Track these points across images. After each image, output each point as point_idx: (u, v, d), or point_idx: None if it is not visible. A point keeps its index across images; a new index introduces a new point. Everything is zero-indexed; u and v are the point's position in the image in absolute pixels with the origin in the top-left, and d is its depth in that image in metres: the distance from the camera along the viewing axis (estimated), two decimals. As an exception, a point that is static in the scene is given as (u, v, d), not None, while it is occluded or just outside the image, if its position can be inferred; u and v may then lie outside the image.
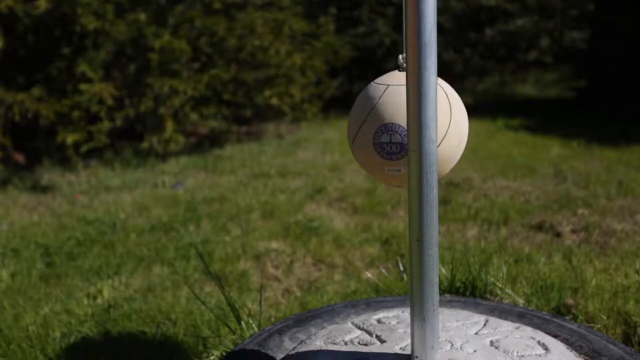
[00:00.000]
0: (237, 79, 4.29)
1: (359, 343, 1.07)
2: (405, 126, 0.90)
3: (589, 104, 5.38)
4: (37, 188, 3.43)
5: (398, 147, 0.92)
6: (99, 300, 1.92)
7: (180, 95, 3.91)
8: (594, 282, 1.77)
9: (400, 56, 0.97)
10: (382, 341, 1.07)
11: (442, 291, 1.68)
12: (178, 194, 3.12)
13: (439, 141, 0.91)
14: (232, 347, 1.47)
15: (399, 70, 0.98)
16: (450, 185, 3.04)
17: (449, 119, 0.94)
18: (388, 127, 0.92)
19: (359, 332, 1.12)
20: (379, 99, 0.95)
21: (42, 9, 3.55)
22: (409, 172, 0.88)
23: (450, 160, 0.97)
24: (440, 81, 0.97)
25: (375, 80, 0.99)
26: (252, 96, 4.38)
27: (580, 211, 2.52)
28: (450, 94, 0.97)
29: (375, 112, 0.94)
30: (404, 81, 0.93)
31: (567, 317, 1.57)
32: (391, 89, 0.95)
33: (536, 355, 1.02)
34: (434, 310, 0.93)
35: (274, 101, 4.35)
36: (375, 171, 0.97)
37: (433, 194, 0.89)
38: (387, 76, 0.98)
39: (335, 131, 4.94)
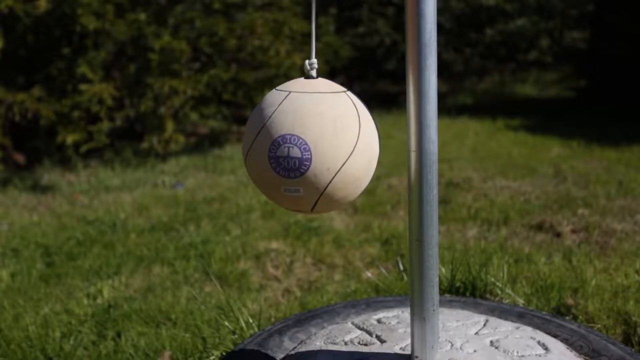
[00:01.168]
0: (237, 79, 4.29)
1: (359, 343, 1.07)
2: (306, 139, 0.79)
3: (589, 104, 5.38)
4: (37, 188, 3.42)
5: (297, 163, 0.79)
6: (99, 300, 1.92)
7: (180, 95, 3.91)
8: (594, 282, 1.77)
9: (306, 62, 0.88)
10: (382, 341, 1.07)
11: (442, 291, 1.68)
12: (178, 194, 3.12)
13: (343, 161, 0.81)
14: (232, 347, 1.47)
15: (305, 78, 0.88)
16: (450, 185, 3.04)
17: (357, 135, 0.83)
18: (286, 139, 0.80)
19: (359, 332, 1.12)
20: (278, 106, 0.82)
21: (42, 9, 3.55)
22: (409, 172, 0.88)
23: (358, 182, 0.85)
24: (351, 94, 0.88)
25: (277, 87, 0.87)
26: (252, 96, 4.38)
27: (580, 211, 2.52)
28: (360, 109, 0.86)
29: (272, 122, 0.81)
30: (308, 89, 0.84)
31: (567, 317, 1.57)
32: (293, 96, 0.83)
33: (536, 355, 1.02)
34: (434, 310, 0.93)
35: (274, 101, 4.35)
36: (271, 191, 0.84)
37: (433, 194, 0.89)
38: (291, 82, 0.87)
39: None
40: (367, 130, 0.84)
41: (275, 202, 0.86)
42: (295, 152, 0.79)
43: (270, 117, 0.82)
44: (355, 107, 0.85)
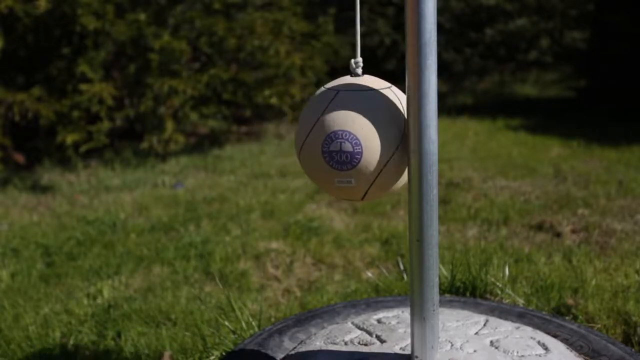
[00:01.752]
0: (237, 79, 4.29)
1: (359, 343, 1.07)
2: (357, 134, 0.86)
3: (589, 104, 5.38)
4: (37, 188, 3.43)
5: (349, 157, 0.86)
6: (99, 300, 1.92)
7: (180, 95, 3.91)
8: (594, 282, 1.77)
9: (352, 60, 0.92)
10: (382, 341, 1.07)
11: (442, 291, 1.68)
12: (178, 194, 3.12)
13: (393, 151, 0.87)
14: (232, 347, 1.47)
15: (351, 76, 0.93)
16: (450, 185, 3.04)
17: (403, 128, 0.89)
18: (338, 135, 0.86)
19: (359, 332, 1.12)
20: (329, 104, 0.89)
21: (42, 9, 3.55)
22: (409, 172, 0.88)
23: (404, 173, 0.91)
24: (397, 90, 0.93)
25: (326, 85, 0.93)
26: (252, 96, 4.38)
27: (580, 211, 2.52)
28: (403, 100, 0.91)
29: (324, 119, 0.88)
30: (355, 86, 0.90)
31: (567, 317, 1.57)
32: (342, 94, 0.89)
33: (536, 355, 1.02)
34: (434, 310, 0.93)
35: (274, 101, 4.35)
36: (325, 183, 0.90)
37: (433, 194, 0.89)
38: (339, 81, 0.93)
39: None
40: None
41: (328, 192, 0.93)
42: (347, 146, 0.86)
43: (322, 114, 0.89)
44: (400, 101, 0.91)
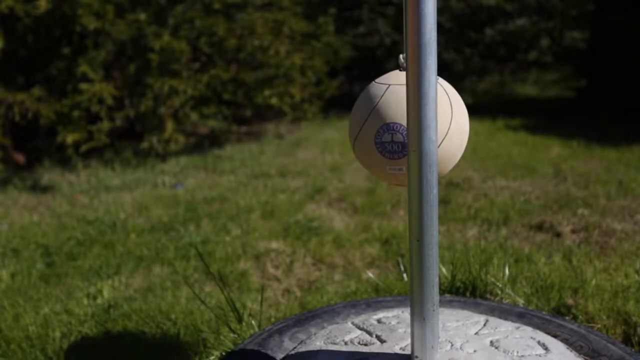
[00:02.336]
0: (237, 79, 4.29)
1: (359, 343, 1.07)
2: (406, 126, 0.91)
3: (589, 104, 5.38)
4: (37, 188, 3.43)
5: (400, 146, 0.92)
6: (99, 300, 1.92)
7: (180, 95, 3.91)
8: (594, 282, 1.77)
9: (401, 56, 0.97)
10: (382, 341, 1.07)
11: (442, 291, 1.68)
12: (178, 194, 3.12)
13: (440, 140, 0.92)
14: (232, 347, 1.47)
15: (400, 70, 0.98)
16: (450, 185, 3.04)
17: (450, 117, 0.94)
18: (390, 127, 0.92)
19: (359, 332, 1.12)
20: (381, 98, 0.95)
21: (42, 9, 3.55)
22: (409, 172, 0.88)
23: (452, 159, 0.98)
24: (441, 80, 0.98)
25: (377, 80, 0.99)
26: (252, 96, 4.38)
27: (580, 211, 2.52)
28: (451, 93, 0.97)
29: (376, 112, 0.95)
30: (404, 81, 0.92)
31: (567, 317, 1.57)
32: (392, 88, 0.95)
33: (536, 355, 1.02)
34: (434, 310, 0.93)
35: (274, 101, 4.35)
36: (377, 170, 0.97)
37: (433, 194, 0.89)
38: (388, 76, 0.99)
39: (335, 131, 4.94)
40: (458, 113, 0.96)
41: (380, 178, 1.00)
42: (398, 137, 0.92)
43: (374, 107, 0.95)
44: (447, 93, 0.96)
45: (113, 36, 3.80)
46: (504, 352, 1.01)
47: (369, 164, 0.98)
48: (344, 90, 6.08)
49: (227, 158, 4.00)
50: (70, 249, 2.37)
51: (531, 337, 1.08)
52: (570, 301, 1.68)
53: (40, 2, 3.52)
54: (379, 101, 0.95)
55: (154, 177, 3.55)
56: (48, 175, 3.70)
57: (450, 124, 0.94)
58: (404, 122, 0.91)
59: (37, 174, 3.71)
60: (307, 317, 1.31)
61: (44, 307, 1.89)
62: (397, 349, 1.03)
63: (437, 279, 0.93)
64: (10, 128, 3.68)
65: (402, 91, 0.93)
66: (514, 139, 4.26)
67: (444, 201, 2.76)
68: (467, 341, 1.04)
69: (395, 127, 0.92)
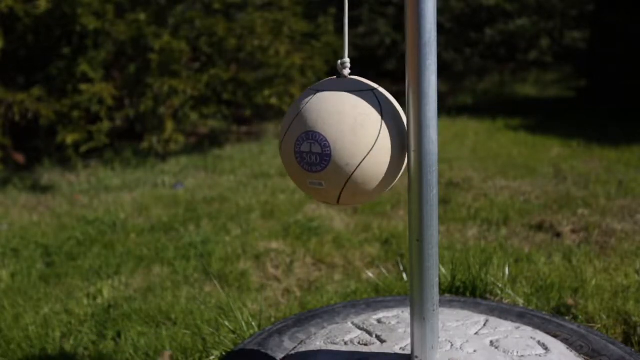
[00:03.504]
0: (237, 79, 4.29)
1: (359, 343, 1.07)
2: (326, 136, 0.83)
3: (589, 104, 5.38)
4: (37, 188, 3.43)
5: (317, 158, 0.84)
6: (99, 300, 1.92)
7: (180, 95, 3.91)
8: (594, 282, 1.77)
9: (339, 61, 0.90)
10: (382, 341, 1.07)
11: (442, 291, 1.68)
12: (178, 194, 3.12)
13: (363, 156, 0.84)
14: (232, 347, 1.47)
15: (337, 77, 0.91)
16: (450, 185, 3.04)
17: (378, 132, 0.85)
18: (309, 135, 0.84)
19: (359, 332, 1.12)
20: (306, 104, 0.87)
21: (42, 9, 3.55)
22: (409, 172, 0.88)
23: (379, 177, 0.87)
24: (380, 91, 0.90)
25: (312, 85, 0.92)
26: (252, 96, 4.38)
27: (580, 211, 2.52)
28: (386, 109, 0.88)
29: (299, 118, 0.86)
30: (335, 87, 0.88)
31: (567, 317, 1.57)
32: (319, 95, 0.87)
33: (536, 355, 1.02)
34: (434, 310, 0.93)
35: (274, 101, 4.35)
36: (300, 183, 0.89)
37: (433, 194, 0.89)
38: (324, 81, 0.91)
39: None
40: (390, 127, 0.87)
41: (305, 193, 0.92)
42: (317, 148, 0.84)
43: (298, 114, 0.87)
44: (380, 105, 0.87)
45: (113, 36, 3.80)
46: (504, 352, 1.01)
47: (292, 175, 0.90)
48: (344, 90, 6.07)
49: (227, 158, 4.00)
50: (70, 249, 2.37)
51: (531, 337, 1.08)
52: (570, 301, 1.68)
53: (40, 2, 3.52)
54: (303, 107, 0.87)
55: (154, 177, 3.55)
56: (48, 175, 3.70)
57: (376, 141, 0.85)
58: (324, 132, 0.83)
59: (37, 174, 3.71)
60: (307, 317, 1.31)
61: (44, 307, 1.89)
62: (397, 349, 1.03)
63: (437, 279, 0.93)
64: (10, 128, 3.68)
65: (329, 98, 0.86)
66: (514, 139, 4.26)
67: (444, 201, 2.76)
68: (467, 341, 1.04)
69: (314, 136, 0.84)
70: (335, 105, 0.85)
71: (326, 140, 0.83)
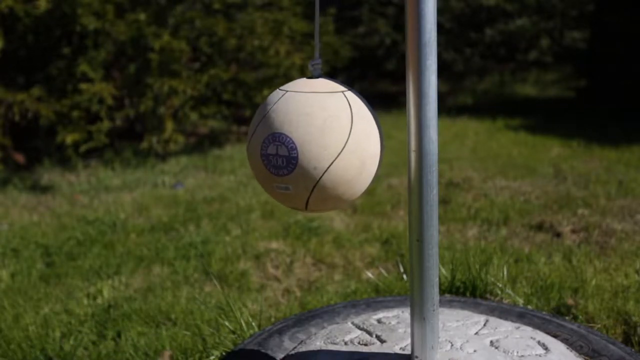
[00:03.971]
0: (237, 79, 4.29)
1: (359, 343, 1.07)
2: (293, 138, 0.81)
3: (589, 104, 5.38)
4: (37, 188, 3.43)
5: (284, 161, 0.81)
6: (99, 300, 1.92)
7: (180, 95, 3.91)
8: (594, 282, 1.77)
9: (310, 62, 0.88)
10: (382, 341, 1.07)
11: (442, 291, 1.68)
12: (178, 194, 3.12)
13: (332, 159, 0.81)
14: (232, 347, 1.47)
15: (307, 77, 0.89)
16: (450, 185, 3.04)
17: (348, 135, 0.82)
18: (276, 137, 0.82)
19: (359, 332, 1.12)
20: (273, 105, 0.84)
21: (42, 9, 3.55)
22: (409, 172, 0.88)
23: (348, 185, 0.84)
24: (350, 93, 0.87)
25: (281, 87, 0.89)
26: (252, 96, 4.38)
27: (580, 211, 2.52)
28: (357, 111, 0.85)
29: (266, 120, 0.84)
30: (305, 88, 0.85)
31: (567, 317, 1.57)
32: (288, 96, 0.84)
33: (536, 355, 1.02)
34: (434, 310, 0.93)
35: (274, 101, 4.35)
36: (266, 187, 0.87)
37: (433, 194, 0.89)
38: (293, 82, 0.89)
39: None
40: (360, 131, 0.83)
41: (272, 197, 0.88)
42: (283, 150, 0.81)
43: (265, 115, 0.84)
44: (350, 107, 0.84)
45: (113, 36, 3.80)
46: (504, 352, 1.01)
47: (258, 178, 0.87)
48: (344, 90, 6.07)
49: (227, 158, 4.00)
50: (70, 249, 2.37)
51: (531, 337, 1.08)
52: (570, 301, 1.68)
53: (40, 2, 3.52)
54: (271, 108, 0.84)
55: (154, 177, 3.55)
56: (48, 175, 3.70)
57: (345, 144, 0.82)
58: (291, 134, 0.81)
59: (37, 174, 3.71)
60: (307, 317, 1.31)
61: (44, 307, 1.89)
62: (397, 349, 1.03)
63: (437, 279, 0.93)
64: (10, 128, 3.68)
65: (297, 99, 0.83)
66: (514, 139, 4.26)
67: (444, 201, 2.76)
68: (467, 341, 1.04)
69: (281, 138, 0.81)
70: (304, 107, 0.82)
71: (293, 143, 0.81)
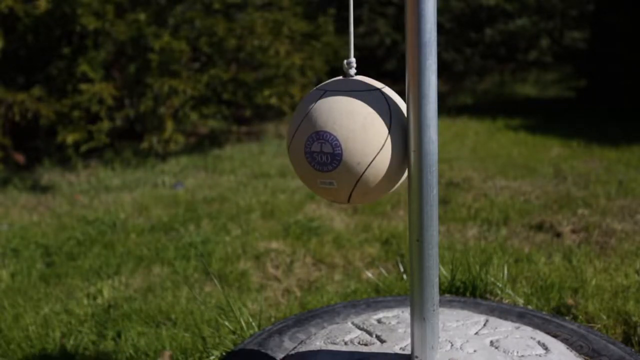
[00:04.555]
0: (237, 79, 4.29)
1: (359, 343, 1.07)
2: (337, 135, 0.85)
3: (589, 104, 5.37)
4: (37, 188, 3.43)
5: (329, 158, 0.85)
6: (99, 300, 1.92)
7: (180, 95, 3.91)
8: (594, 282, 1.77)
9: (345, 61, 0.91)
10: (382, 341, 1.07)
11: (442, 291, 1.68)
12: (178, 194, 3.12)
13: (374, 154, 0.85)
14: (232, 347, 1.47)
15: (343, 76, 0.92)
16: (450, 185, 3.04)
17: (388, 132, 0.86)
18: (320, 135, 0.85)
19: (359, 332, 1.12)
20: (315, 104, 0.88)
21: (42, 9, 3.55)
22: (409, 172, 0.88)
23: (390, 175, 0.88)
24: (387, 90, 0.91)
25: (318, 86, 0.93)
26: (252, 96, 4.38)
27: (580, 211, 2.52)
28: (394, 108, 0.89)
29: (308, 118, 0.87)
30: (343, 87, 0.89)
31: (567, 317, 1.57)
32: (328, 95, 0.88)
33: (536, 355, 1.02)
34: (434, 310, 0.93)
35: (274, 101, 4.35)
36: (310, 183, 0.90)
37: (433, 194, 0.89)
38: (331, 81, 0.92)
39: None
40: (398, 126, 0.88)
41: (315, 192, 0.92)
42: (327, 147, 0.85)
43: (307, 114, 0.88)
44: (388, 104, 0.88)
45: (113, 36, 3.80)
46: (504, 352, 1.01)
47: (302, 175, 0.91)
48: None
49: (227, 158, 4.00)
50: (70, 249, 2.37)
51: (531, 337, 1.08)
52: (570, 301, 1.68)
53: (40, 2, 3.52)
54: (312, 107, 0.88)
55: (154, 177, 3.55)
56: (48, 175, 3.70)
57: (385, 139, 0.86)
58: (335, 132, 0.85)
59: (37, 174, 3.71)
60: (307, 317, 1.31)
61: (44, 307, 1.89)
62: (397, 349, 1.03)
63: (437, 279, 0.93)
64: (10, 128, 3.68)
65: (337, 98, 0.87)
66: (514, 139, 4.26)
67: (444, 201, 2.76)
68: (467, 341, 1.04)
69: (324, 136, 0.85)
70: (345, 105, 0.86)
71: (337, 140, 0.84)
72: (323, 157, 0.85)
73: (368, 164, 0.85)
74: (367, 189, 0.87)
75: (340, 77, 0.92)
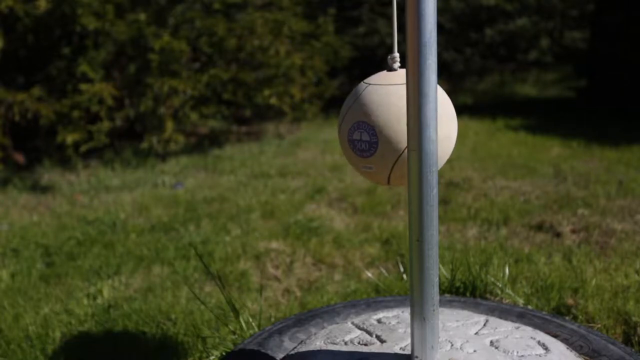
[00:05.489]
0: (237, 79, 4.29)
1: (359, 343, 1.07)
2: (374, 125, 0.93)
3: (589, 104, 5.38)
4: (37, 188, 3.43)
5: (367, 145, 0.94)
6: (99, 300, 1.92)
7: (180, 95, 3.91)
8: (594, 282, 1.77)
9: (389, 56, 0.98)
10: (382, 341, 1.07)
11: (442, 291, 1.68)
12: (178, 194, 3.12)
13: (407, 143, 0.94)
14: (232, 347, 1.47)
15: (387, 70, 0.99)
16: (450, 185, 3.04)
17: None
18: (360, 125, 0.95)
19: (359, 332, 1.12)
20: (358, 97, 0.97)
21: (42, 9, 3.55)
22: (409, 172, 0.88)
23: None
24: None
25: (365, 79, 1.01)
26: (252, 96, 4.38)
27: (580, 211, 2.52)
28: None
29: (352, 110, 0.97)
30: (385, 81, 0.96)
31: (567, 317, 1.57)
32: (370, 89, 0.96)
33: (536, 355, 1.02)
34: (434, 310, 0.93)
35: (274, 101, 4.35)
36: (354, 166, 1.00)
37: (433, 193, 0.89)
38: (375, 76, 1.00)
39: (336, 131, 4.94)
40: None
41: (361, 175, 1.02)
42: (365, 136, 0.94)
43: (351, 106, 0.97)
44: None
45: (113, 36, 3.80)
46: (504, 352, 1.01)
47: (349, 160, 1.01)
48: (344, 90, 6.07)
49: (227, 158, 4.00)
50: (70, 249, 2.37)
51: (531, 337, 1.08)
52: (570, 301, 1.68)
53: (40, 2, 3.52)
54: (356, 100, 0.97)
55: (154, 177, 3.55)
56: (48, 175, 3.70)
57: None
58: (371, 122, 0.93)
59: (37, 174, 3.71)
60: (307, 317, 1.31)
61: (44, 307, 1.89)
62: (397, 349, 1.03)
63: (437, 279, 0.93)
64: (10, 128, 3.68)
65: (377, 91, 0.95)
66: (514, 139, 4.26)
67: (444, 201, 2.76)
68: (467, 341, 1.04)
69: (362, 126, 0.94)
70: (382, 98, 0.94)
71: (374, 129, 0.93)
72: (362, 144, 0.95)
73: (402, 150, 0.93)
74: (404, 172, 0.95)
75: (385, 71, 0.99)
